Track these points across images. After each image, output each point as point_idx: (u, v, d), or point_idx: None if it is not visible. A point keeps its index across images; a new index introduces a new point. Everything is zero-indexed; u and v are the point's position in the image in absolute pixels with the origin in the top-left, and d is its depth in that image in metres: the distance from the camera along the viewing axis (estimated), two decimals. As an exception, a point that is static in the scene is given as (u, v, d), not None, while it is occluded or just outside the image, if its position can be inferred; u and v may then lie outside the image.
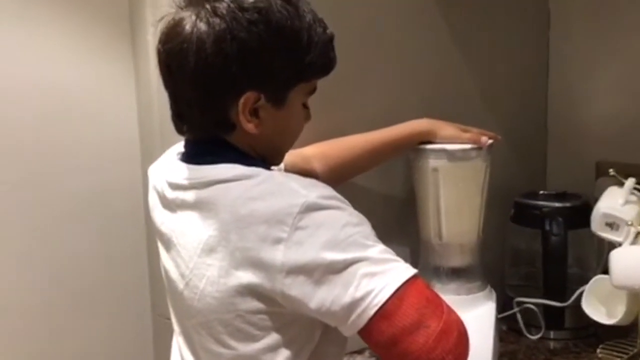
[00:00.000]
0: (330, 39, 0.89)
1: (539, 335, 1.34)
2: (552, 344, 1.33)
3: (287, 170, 1.08)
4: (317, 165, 1.16)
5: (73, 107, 1.26)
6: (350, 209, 0.84)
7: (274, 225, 0.80)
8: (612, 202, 1.21)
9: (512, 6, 1.46)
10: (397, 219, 1.31)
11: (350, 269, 0.79)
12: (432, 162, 1.19)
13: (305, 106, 0.93)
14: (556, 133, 1.56)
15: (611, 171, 1.23)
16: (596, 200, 1.25)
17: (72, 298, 1.29)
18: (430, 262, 1.25)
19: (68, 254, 1.28)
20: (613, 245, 1.20)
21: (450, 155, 1.18)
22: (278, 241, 0.79)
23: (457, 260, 1.23)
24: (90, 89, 1.28)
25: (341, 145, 1.20)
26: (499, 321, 1.28)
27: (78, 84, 1.26)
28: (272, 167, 0.94)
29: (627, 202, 1.19)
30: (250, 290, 0.81)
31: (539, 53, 1.53)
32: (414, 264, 1.27)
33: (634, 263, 1.14)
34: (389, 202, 1.32)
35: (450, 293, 1.19)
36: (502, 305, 1.34)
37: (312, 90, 0.92)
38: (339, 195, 0.84)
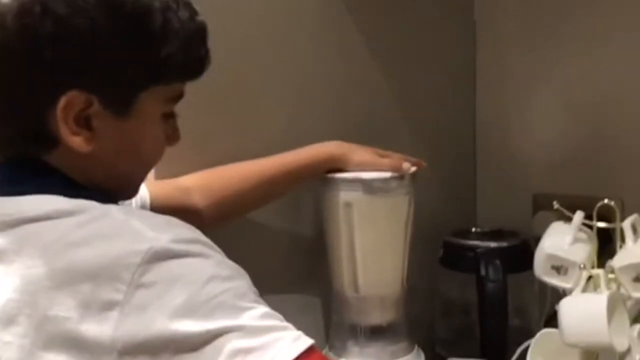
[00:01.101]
0: (200, 28, 0.69)
1: (476, 403, 1.16)
2: (491, 413, 1.15)
3: (155, 205, 0.87)
4: (199, 199, 0.96)
5: None
6: (218, 256, 0.62)
7: (104, 283, 0.57)
8: (557, 240, 1.04)
9: (435, 19, 1.34)
10: (305, 265, 1.13)
11: (216, 343, 0.57)
12: (344, 195, 1.01)
13: (169, 116, 0.72)
14: (486, 162, 1.42)
15: (555, 204, 1.07)
16: (536, 238, 1.08)
17: None
18: (345, 319, 1.06)
19: None
20: (557, 291, 1.03)
21: (367, 186, 1.01)
22: (109, 306, 0.57)
23: (377, 316, 1.05)
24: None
25: (229, 173, 1.00)
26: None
27: None
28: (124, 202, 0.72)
29: (576, 240, 1.03)
30: (64, 383, 0.57)
31: (465, 70, 1.41)
32: (326, 322, 1.12)
33: (588, 313, 0.95)
34: (294, 244, 1.13)
35: (370, 358, 1.03)
36: (432, 366, 1.17)
37: (177, 97, 0.71)
38: (204, 238, 0.63)
